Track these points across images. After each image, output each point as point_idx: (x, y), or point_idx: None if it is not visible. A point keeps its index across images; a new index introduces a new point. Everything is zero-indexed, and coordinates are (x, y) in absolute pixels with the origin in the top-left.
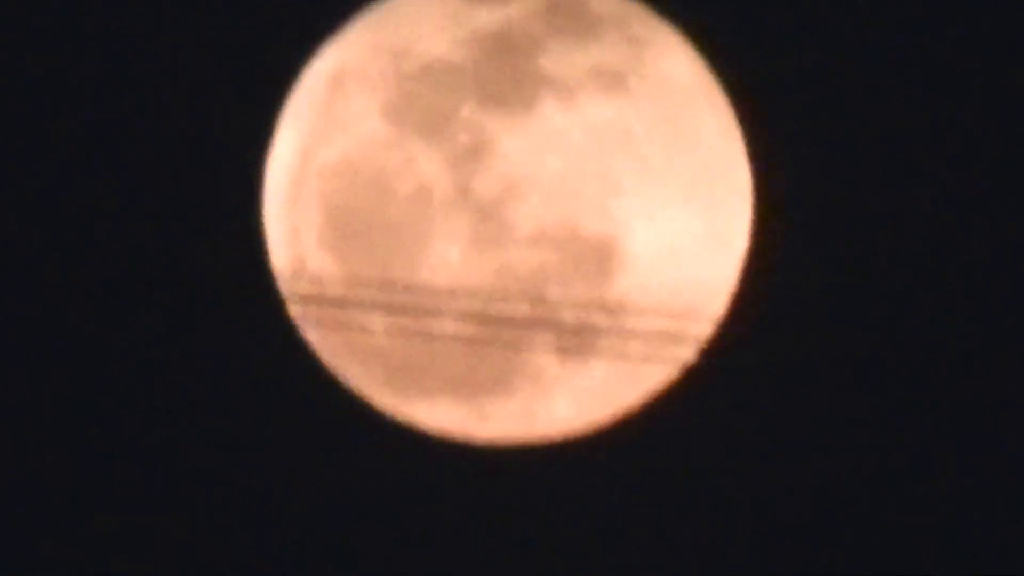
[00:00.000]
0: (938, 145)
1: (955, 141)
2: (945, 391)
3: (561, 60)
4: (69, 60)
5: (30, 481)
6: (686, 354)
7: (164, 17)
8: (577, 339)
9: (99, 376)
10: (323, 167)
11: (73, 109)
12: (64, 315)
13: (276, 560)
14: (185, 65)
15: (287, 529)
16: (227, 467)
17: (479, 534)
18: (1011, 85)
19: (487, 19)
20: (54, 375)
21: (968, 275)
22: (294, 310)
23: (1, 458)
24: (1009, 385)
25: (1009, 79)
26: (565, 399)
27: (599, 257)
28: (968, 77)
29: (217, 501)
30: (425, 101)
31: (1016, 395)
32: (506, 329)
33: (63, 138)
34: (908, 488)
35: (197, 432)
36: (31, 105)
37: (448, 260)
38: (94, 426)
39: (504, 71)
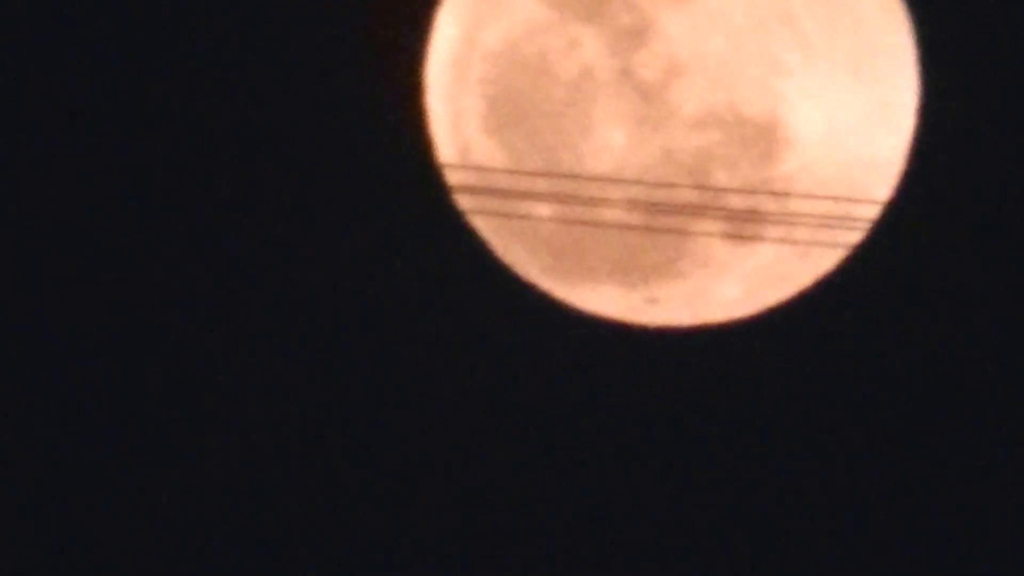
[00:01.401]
0: None
1: None
2: None
3: None
4: None
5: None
6: (854, 236)
7: None
8: (744, 223)
9: (279, 260)
10: (485, 52)
11: None
12: (246, 204)
13: (448, 443)
14: None
15: (458, 414)
16: (398, 353)
17: (650, 417)
18: None
19: None
20: (221, 258)
21: None
22: (460, 198)
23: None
24: None
25: None
26: (733, 282)
27: (764, 138)
28: None
29: (393, 385)
30: None
31: None
32: (672, 214)
33: (232, 26)
34: None
35: (367, 322)
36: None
37: (612, 144)
38: (269, 311)
39: None
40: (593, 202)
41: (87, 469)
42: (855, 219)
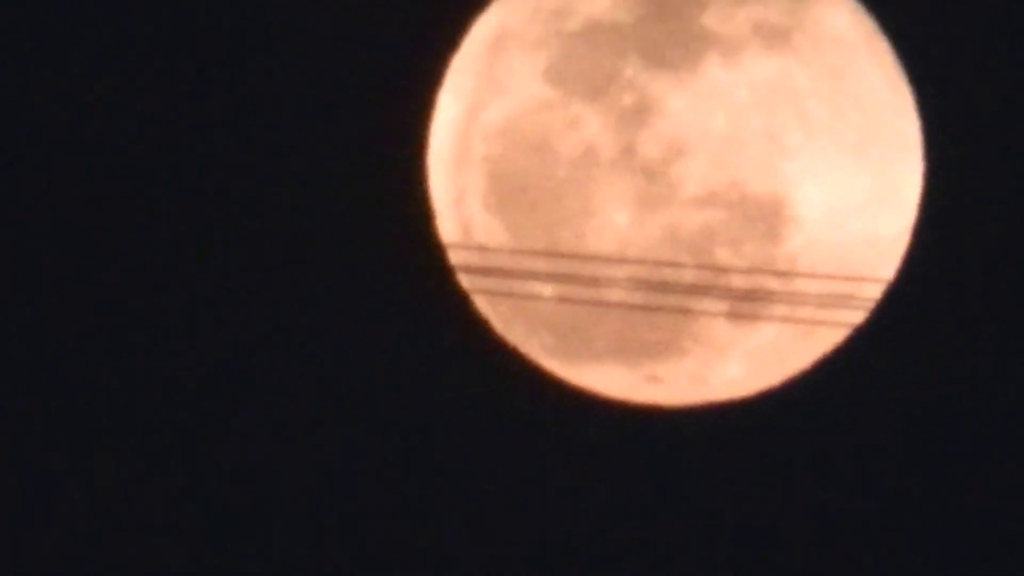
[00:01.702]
0: None
1: None
2: None
3: (723, 17)
4: (236, 24)
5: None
6: (857, 316)
7: None
8: (747, 302)
9: (270, 344)
10: (487, 130)
11: (241, 74)
12: (230, 291)
13: (447, 523)
14: (350, 30)
15: (458, 494)
16: (396, 433)
17: (652, 496)
18: None
19: None
20: (199, 345)
21: None
22: (462, 277)
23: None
24: None
25: None
26: (736, 361)
27: (767, 217)
28: None
29: (386, 468)
30: (587, 62)
31: None
32: (675, 294)
33: (230, 108)
34: None
35: (367, 401)
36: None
37: (615, 223)
38: (252, 402)
39: (666, 29)
40: (595, 281)
41: (60, 468)
42: (858, 299)
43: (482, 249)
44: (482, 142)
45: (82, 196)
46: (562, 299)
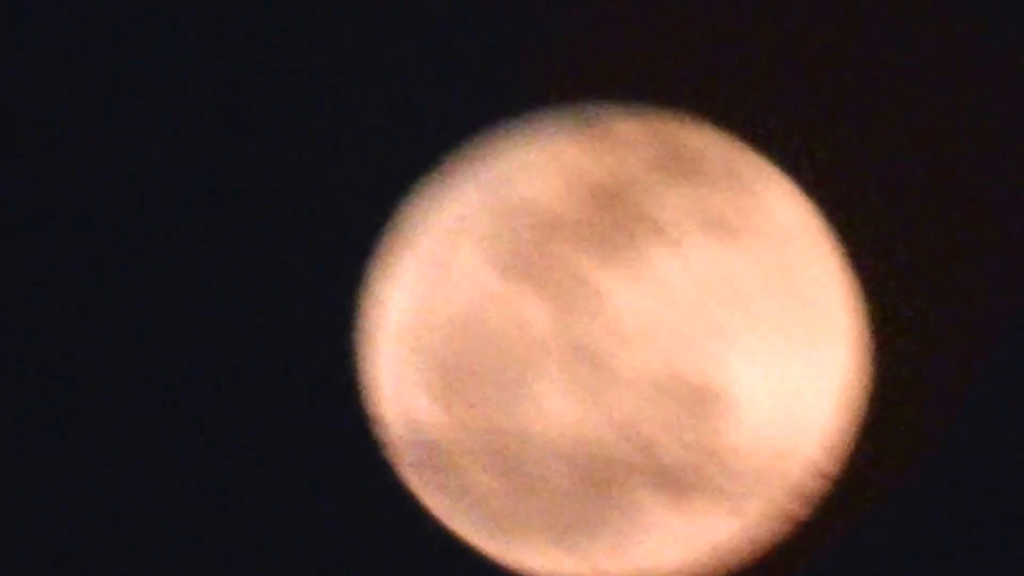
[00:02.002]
0: None
1: None
2: None
3: (668, 206)
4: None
5: None
6: (790, 501)
7: (277, 164)
8: (684, 489)
9: (199, 521)
10: (431, 319)
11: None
12: (168, 469)
13: None
14: (293, 214)
15: None
16: None
17: None
18: None
19: (595, 164)
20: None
21: None
22: (399, 459)
23: None
24: None
25: None
26: (669, 544)
27: (707, 405)
28: None
29: None
30: (533, 249)
31: None
32: (614, 482)
33: (167, 293)
34: None
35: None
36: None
37: (555, 411)
38: None
39: (612, 218)
40: (536, 468)
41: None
42: (791, 484)
43: (422, 437)
44: (426, 333)
45: None
46: (501, 486)
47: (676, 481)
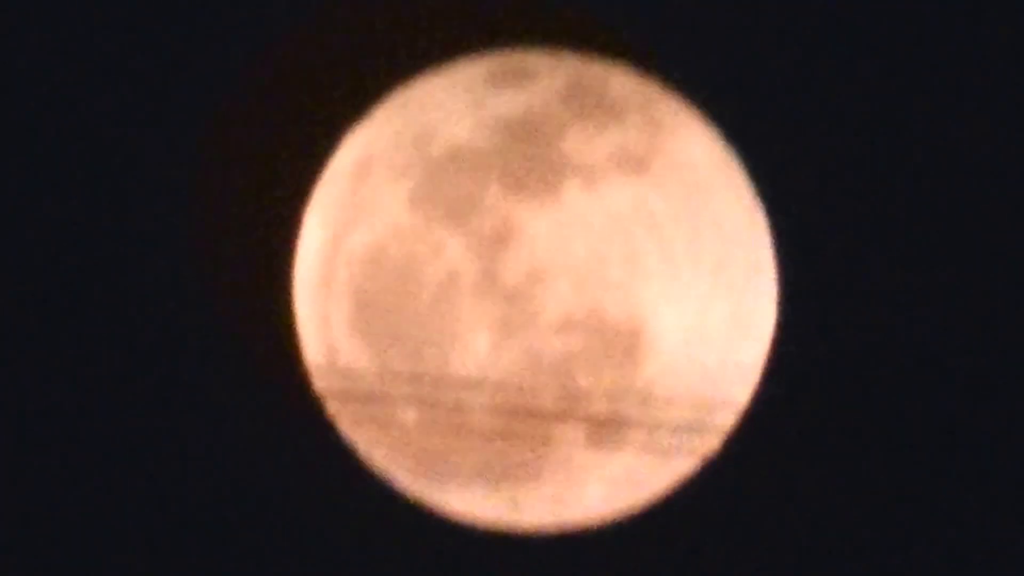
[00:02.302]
0: (976, 217)
1: (986, 221)
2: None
3: (582, 144)
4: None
5: None
6: (713, 442)
7: (184, 109)
8: (606, 429)
9: (130, 472)
10: (351, 255)
11: (106, 188)
12: (86, 411)
13: None
14: (208, 154)
15: None
16: (260, 559)
17: None
18: None
19: (509, 103)
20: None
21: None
22: (326, 402)
23: None
24: None
25: None
26: (595, 486)
27: (626, 343)
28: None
29: None
30: (450, 187)
31: None
32: (535, 420)
33: (101, 201)
34: None
35: (227, 524)
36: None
37: (476, 349)
38: (123, 523)
39: (527, 156)
40: (457, 406)
41: None
42: (714, 426)
43: (347, 374)
44: (347, 267)
45: None
46: (424, 424)
47: (599, 421)
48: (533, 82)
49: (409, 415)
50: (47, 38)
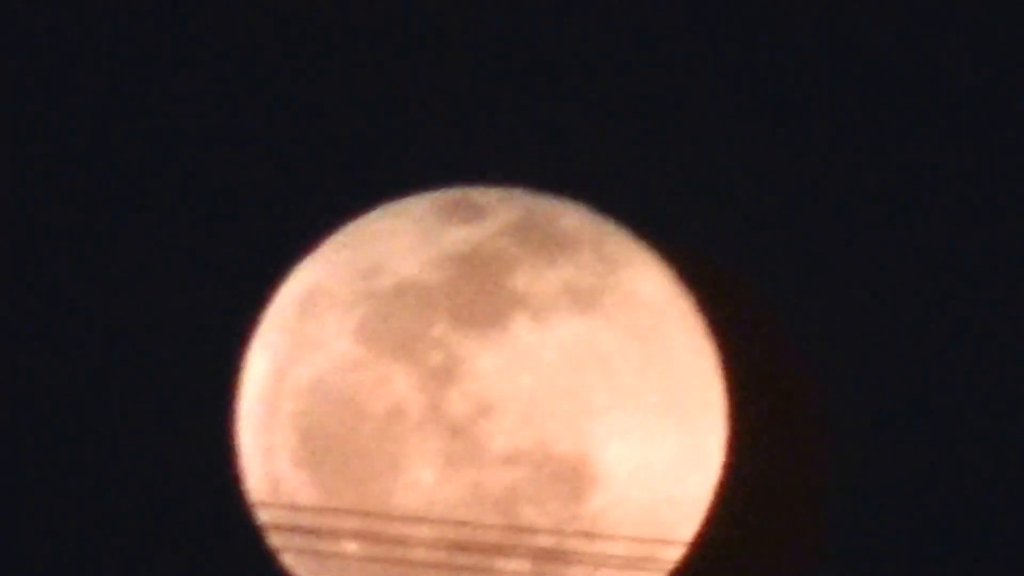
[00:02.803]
0: (928, 346)
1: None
2: None
3: (533, 278)
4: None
5: None
6: (658, 572)
7: (140, 242)
8: (550, 563)
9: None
10: (296, 387)
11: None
12: (53, 547)
13: None
14: (159, 285)
15: None
16: None
17: None
18: None
19: (459, 238)
20: None
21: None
22: (268, 534)
23: None
24: None
25: None
26: None
27: (572, 476)
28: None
29: None
30: (397, 321)
31: None
32: (479, 553)
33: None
34: None
35: None
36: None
37: (421, 481)
38: None
39: (476, 290)
40: (400, 540)
41: None
42: (660, 560)
43: (290, 507)
44: (292, 399)
45: None
46: (367, 557)
47: (546, 557)
48: (484, 217)
49: (351, 548)
50: None
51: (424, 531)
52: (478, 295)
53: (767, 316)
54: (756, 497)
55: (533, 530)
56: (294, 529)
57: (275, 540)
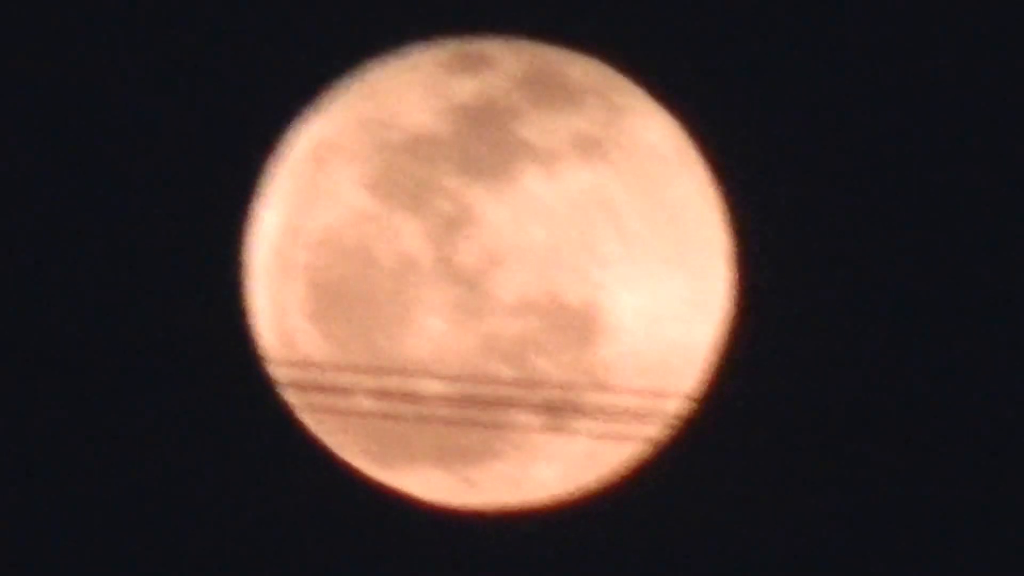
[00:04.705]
0: (929, 205)
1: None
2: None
3: (541, 129)
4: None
5: None
6: (666, 422)
7: (148, 90)
8: (560, 411)
9: (96, 460)
10: (307, 239)
11: (63, 179)
12: (54, 405)
13: None
14: (170, 139)
15: None
16: (220, 542)
17: None
18: None
19: (467, 89)
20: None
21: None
22: (282, 387)
23: None
24: None
25: None
26: (549, 465)
27: (582, 325)
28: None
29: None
30: (407, 172)
31: None
32: (491, 404)
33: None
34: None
35: (188, 508)
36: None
37: (432, 331)
38: (93, 512)
39: (485, 141)
40: (413, 393)
41: None
42: (668, 407)
43: (300, 358)
44: (303, 251)
45: None
46: (380, 407)
47: (556, 406)
48: (491, 69)
49: (366, 402)
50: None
51: (435, 386)
52: (487, 146)
53: (775, 165)
54: (761, 343)
55: (544, 381)
56: (306, 380)
57: (290, 394)
